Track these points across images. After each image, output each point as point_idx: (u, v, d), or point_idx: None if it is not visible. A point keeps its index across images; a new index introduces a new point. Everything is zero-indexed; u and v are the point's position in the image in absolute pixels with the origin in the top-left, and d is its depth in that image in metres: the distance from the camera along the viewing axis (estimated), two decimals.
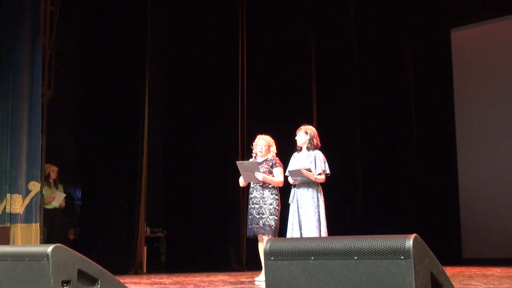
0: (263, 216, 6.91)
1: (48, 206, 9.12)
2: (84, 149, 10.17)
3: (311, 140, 6.86)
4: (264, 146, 7.11)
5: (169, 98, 11.85)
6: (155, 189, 11.17)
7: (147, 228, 10.76)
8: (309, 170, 6.65)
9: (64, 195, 9.43)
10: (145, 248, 9.80)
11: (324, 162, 6.76)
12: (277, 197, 7.02)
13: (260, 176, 6.84)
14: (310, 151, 6.84)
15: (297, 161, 6.89)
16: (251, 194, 7.08)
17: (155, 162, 11.21)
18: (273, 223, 6.88)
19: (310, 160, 6.75)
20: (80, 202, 10.41)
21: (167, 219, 11.48)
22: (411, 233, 2.88)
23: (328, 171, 6.75)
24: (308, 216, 6.64)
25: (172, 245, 11.27)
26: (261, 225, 6.90)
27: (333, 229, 6.76)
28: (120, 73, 9.87)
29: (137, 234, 9.47)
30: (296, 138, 6.97)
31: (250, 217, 7.05)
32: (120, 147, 9.78)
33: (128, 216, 9.61)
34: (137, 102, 9.78)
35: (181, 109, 11.38)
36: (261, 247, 6.97)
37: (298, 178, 6.74)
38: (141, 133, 9.70)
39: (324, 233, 6.61)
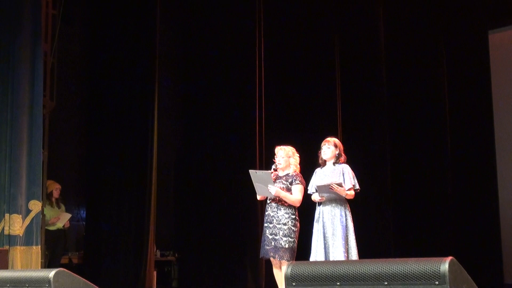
0: (276, 237, 6.80)
1: (50, 228, 9.15)
2: (89, 165, 10.20)
3: (340, 153, 6.82)
4: (283, 157, 7.00)
5: (180, 108, 11.87)
6: (166, 208, 11.18)
7: (157, 250, 10.79)
8: (340, 184, 6.63)
9: (70, 215, 9.46)
10: (154, 273, 9.80)
11: (353, 177, 6.72)
12: (293, 216, 6.86)
13: (273, 189, 6.73)
14: (336, 165, 6.80)
15: (323, 177, 6.83)
16: (266, 211, 6.99)
17: (166, 179, 11.23)
18: (287, 245, 6.75)
19: (337, 175, 6.71)
20: (84, 223, 10.43)
21: (179, 241, 11.47)
22: (447, 255, 2.85)
23: (357, 187, 6.71)
24: (334, 237, 6.59)
25: (184, 269, 11.24)
26: (273, 246, 6.79)
27: (360, 252, 6.70)
28: (127, 82, 9.92)
29: (146, 257, 9.48)
30: (321, 151, 6.91)
31: (263, 236, 6.98)
32: (128, 162, 9.81)
33: (136, 238, 9.62)
34: (146, 114, 9.82)
35: (193, 121, 11.39)
36: (276, 272, 6.92)
37: (325, 195, 6.71)
38: (150, 147, 9.73)
39: (355, 255, 6.54)
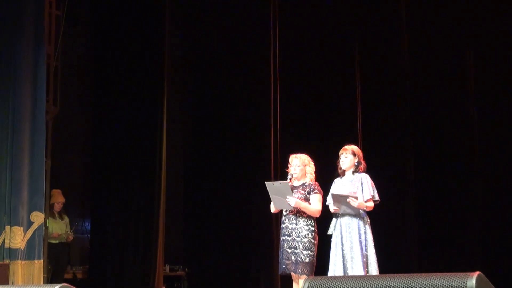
0: (296, 251, 6.78)
1: (52, 241, 9.17)
2: (94, 174, 10.22)
3: (359, 162, 6.80)
4: (299, 166, 6.98)
5: (191, 115, 11.89)
6: (175, 220, 11.18)
7: (166, 265, 10.76)
8: (356, 197, 6.61)
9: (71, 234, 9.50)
10: None
11: (373, 187, 6.70)
12: (313, 228, 6.86)
13: (292, 201, 6.71)
14: (356, 174, 6.78)
15: (341, 187, 6.81)
16: (283, 223, 6.97)
17: (175, 190, 11.24)
18: (307, 260, 6.74)
19: (356, 185, 6.69)
20: (89, 236, 10.44)
21: (189, 255, 11.47)
22: (474, 270, 2.83)
23: (377, 198, 6.68)
24: (352, 251, 6.57)
25: (194, 285, 11.23)
26: (293, 261, 6.77)
27: (381, 266, 6.66)
28: (134, 86, 9.93)
29: (155, 272, 9.48)
30: (340, 160, 6.90)
31: (281, 250, 6.95)
32: (135, 172, 9.82)
33: (144, 252, 9.62)
34: (154, 120, 9.82)
35: (204, 127, 11.40)
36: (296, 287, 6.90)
37: (342, 206, 6.68)
38: (158, 156, 9.73)
39: (375, 270, 6.52)
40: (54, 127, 8.67)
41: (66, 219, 9.59)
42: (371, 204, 6.63)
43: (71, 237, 9.48)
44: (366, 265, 6.52)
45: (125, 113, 9.91)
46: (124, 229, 9.74)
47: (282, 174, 7.73)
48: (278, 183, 6.85)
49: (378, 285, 2.92)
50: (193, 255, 11.37)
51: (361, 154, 6.86)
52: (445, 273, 2.86)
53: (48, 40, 8.48)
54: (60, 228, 9.70)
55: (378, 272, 6.51)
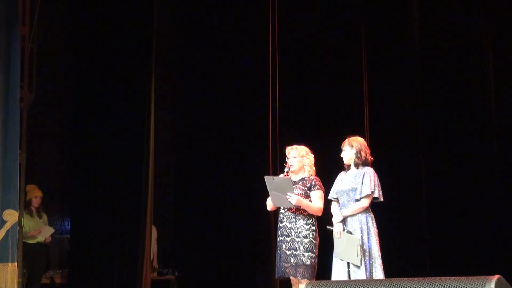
0: (296, 253, 6.78)
1: (29, 241, 9.12)
2: (74, 169, 10.17)
3: (358, 154, 6.79)
4: (295, 157, 6.97)
5: (181, 104, 11.88)
6: (164, 219, 11.17)
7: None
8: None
9: (52, 230, 9.44)
10: None
11: (375, 183, 6.67)
12: (314, 227, 6.87)
13: (294, 199, 6.70)
14: (360, 168, 6.77)
15: (344, 181, 6.81)
16: (281, 222, 6.96)
17: (164, 185, 11.24)
18: (308, 262, 6.74)
19: (358, 180, 6.67)
20: (69, 236, 10.41)
21: (179, 258, 11.49)
22: (493, 273, 2.79)
23: (377, 194, 6.65)
24: None
25: None
26: (293, 264, 6.77)
27: (387, 270, 6.64)
28: (119, 72, 9.88)
29: (141, 276, 9.45)
30: (341, 154, 6.91)
31: (278, 252, 6.93)
32: (120, 167, 9.78)
33: (130, 254, 9.59)
34: (141, 111, 9.78)
35: (197, 120, 11.40)
36: None
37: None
38: (146, 150, 9.69)
39: (379, 273, 6.51)
40: (29, 116, 8.61)
41: (45, 217, 9.52)
42: (365, 203, 6.60)
43: (49, 238, 9.42)
44: (370, 268, 6.51)
45: (109, 102, 9.87)
46: (107, 229, 9.69)
47: (282, 169, 7.69)
48: (278, 178, 6.83)
49: None
50: (183, 257, 11.39)
51: (360, 146, 6.85)
52: (460, 277, 2.85)
53: (22, 20, 8.41)
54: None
55: (383, 275, 6.50)
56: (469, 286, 2.82)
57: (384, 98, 11.57)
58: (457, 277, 2.88)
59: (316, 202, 6.82)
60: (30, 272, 9.12)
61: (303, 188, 6.88)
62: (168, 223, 11.47)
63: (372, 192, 6.62)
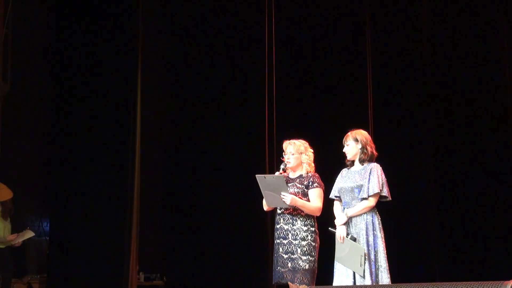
0: (293, 257, 6.78)
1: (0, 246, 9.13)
2: (53, 165, 10.15)
3: (363, 149, 6.78)
4: (293, 154, 6.95)
5: (169, 94, 11.86)
6: (151, 220, 11.15)
7: (141, 273, 10.82)
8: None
9: (32, 233, 9.40)
10: None
11: (383, 180, 6.65)
12: (313, 228, 6.86)
13: (288, 198, 6.69)
14: (365, 164, 6.74)
15: (346, 179, 6.78)
16: (277, 224, 6.96)
17: (151, 183, 11.22)
18: (307, 266, 6.75)
19: (364, 177, 6.65)
20: (48, 238, 10.39)
21: (168, 261, 11.45)
22: (507, 278, 2.75)
23: (386, 193, 6.64)
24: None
25: None
26: (290, 268, 6.78)
27: (394, 274, 6.62)
28: (102, 59, 9.88)
29: (127, 282, 9.46)
30: (344, 150, 6.87)
31: (275, 255, 6.93)
32: (103, 163, 9.77)
33: (114, 257, 9.60)
34: (127, 100, 9.79)
35: (186, 112, 11.38)
36: None
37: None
38: (131, 144, 9.70)
39: (386, 278, 6.49)
40: (3, 108, 8.60)
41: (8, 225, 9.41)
42: (371, 203, 6.57)
43: (18, 243, 9.36)
44: (376, 273, 6.51)
45: (91, 92, 9.85)
46: (90, 230, 9.69)
47: (278, 166, 7.68)
48: (270, 177, 6.84)
49: None
50: (172, 261, 11.34)
51: (365, 139, 6.84)
52: (473, 282, 2.82)
53: None
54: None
55: (390, 280, 6.48)
56: None
57: (390, 88, 11.49)
58: (469, 282, 2.85)
59: (314, 201, 6.79)
60: (1, 278, 9.09)
61: (300, 186, 6.86)
62: (155, 224, 11.43)
63: (380, 190, 6.60)
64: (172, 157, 11.64)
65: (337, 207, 6.86)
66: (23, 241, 9.45)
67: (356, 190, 6.67)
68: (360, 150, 6.80)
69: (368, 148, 6.80)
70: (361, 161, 6.79)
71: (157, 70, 11.66)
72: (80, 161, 9.80)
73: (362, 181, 6.65)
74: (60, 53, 10.21)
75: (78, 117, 9.85)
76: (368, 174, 6.65)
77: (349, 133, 6.90)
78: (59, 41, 10.22)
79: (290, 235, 6.82)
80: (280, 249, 6.84)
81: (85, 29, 9.91)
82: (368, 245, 6.52)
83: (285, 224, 6.86)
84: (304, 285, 6.69)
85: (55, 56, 10.33)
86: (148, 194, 10.67)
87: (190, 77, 11.32)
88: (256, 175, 6.82)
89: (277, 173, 6.91)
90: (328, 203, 6.97)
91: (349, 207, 6.68)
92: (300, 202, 6.73)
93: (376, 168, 6.68)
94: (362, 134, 6.89)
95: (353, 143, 6.83)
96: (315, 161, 7.11)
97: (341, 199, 6.84)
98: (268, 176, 6.90)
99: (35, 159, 10.66)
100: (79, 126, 9.84)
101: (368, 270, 6.47)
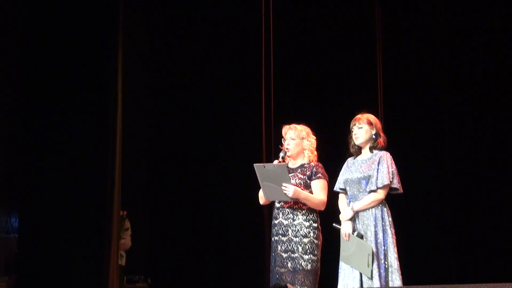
0: (294, 256, 6.80)
1: None
2: (22, 154, 10.10)
3: (377, 135, 6.77)
4: (293, 140, 6.94)
5: (152, 76, 11.84)
6: (134, 216, 11.12)
7: (123, 275, 10.70)
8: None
9: None
10: None
11: (393, 171, 6.65)
12: (315, 224, 6.89)
13: (290, 190, 6.69)
14: (375, 151, 6.73)
15: (355, 169, 6.76)
16: (275, 219, 6.98)
17: (134, 175, 11.19)
18: (309, 267, 6.76)
19: (373, 167, 6.63)
20: (16, 236, 10.37)
21: (152, 263, 11.45)
22: None
23: (397, 184, 6.63)
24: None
25: None
26: (290, 269, 6.80)
27: (406, 275, 6.60)
28: (79, 33, 9.79)
29: (107, 285, 9.41)
30: (352, 134, 6.85)
31: (273, 254, 6.93)
32: (79, 151, 9.68)
33: (92, 258, 9.54)
34: (105, 83, 9.71)
35: (171, 93, 11.41)
36: None
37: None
38: (111, 130, 9.61)
39: (397, 280, 6.49)
40: None
41: None
42: (380, 195, 6.56)
43: None
44: (385, 273, 6.50)
45: (65, 71, 9.78)
46: (64, 227, 9.60)
47: (277, 154, 7.68)
48: (270, 165, 6.82)
49: None
50: (157, 262, 11.34)
51: (379, 125, 6.82)
52: (493, 284, 2.82)
53: None
54: None
55: (401, 282, 6.49)
56: None
57: (402, 67, 11.49)
58: (489, 284, 2.87)
59: (317, 194, 6.81)
60: None
61: (302, 176, 6.87)
62: (139, 221, 11.41)
63: (391, 182, 6.59)
64: (157, 146, 11.62)
65: (342, 200, 6.87)
66: None
67: (364, 182, 6.66)
68: (373, 136, 6.79)
69: (382, 135, 6.79)
70: (371, 149, 6.78)
71: (139, 48, 11.63)
72: (52, 150, 9.74)
73: (370, 171, 6.65)
74: (31, 34, 10.14)
75: (50, 99, 9.77)
76: (376, 163, 6.65)
77: (360, 115, 6.87)
78: (30, 21, 10.16)
79: (290, 231, 6.82)
80: (279, 247, 6.85)
81: (57, 10, 9.87)
82: (376, 243, 6.53)
83: (285, 219, 6.87)
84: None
85: (26, 38, 10.27)
86: (129, 187, 10.63)
87: (181, 58, 11.32)
88: (254, 164, 6.82)
89: (275, 162, 6.89)
90: (332, 196, 6.97)
91: (356, 201, 6.68)
92: (304, 195, 6.74)
93: (385, 156, 6.67)
94: (375, 118, 6.90)
95: (367, 127, 6.80)
96: (317, 149, 7.10)
97: (346, 192, 6.84)
98: (268, 165, 6.88)
99: (4, 147, 10.63)
100: (51, 110, 9.77)
101: (377, 271, 6.48)
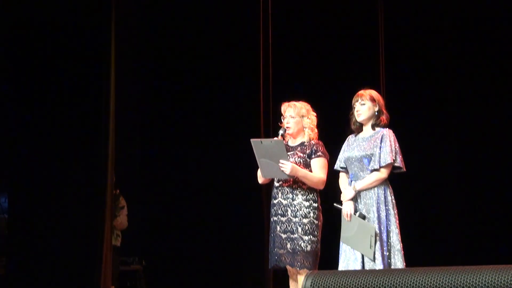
0: (293, 237, 6.80)
1: None
2: (11, 131, 10.07)
3: (380, 112, 6.75)
4: (293, 117, 6.93)
5: (150, 54, 11.90)
6: (128, 196, 11.11)
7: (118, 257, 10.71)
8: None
9: None
10: None
11: (396, 149, 6.64)
12: (315, 204, 6.89)
13: (288, 167, 6.69)
14: (377, 129, 6.72)
15: (357, 146, 6.76)
16: (274, 199, 6.98)
17: (128, 153, 11.19)
18: (309, 248, 6.76)
19: (375, 145, 6.62)
20: (6, 216, 10.36)
21: (147, 244, 11.49)
22: None
23: (399, 163, 6.64)
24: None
25: (155, 282, 11.27)
26: (290, 250, 6.79)
27: (409, 257, 6.64)
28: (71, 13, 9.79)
29: (100, 266, 9.42)
30: (354, 111, 6.84)
31: (272, 235, 6.92)
32: (71, 126, 9.65)
33: (84, 238, 9.54)
34: (99, 57, 9.69)
35: (170, 74, 11.42)
36: (294, 286, 6.88)
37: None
38: (105, 106, 9.58)
39: (399, 261, 6.50)
40: None
41: None
42: (383, 174, 6.57)
43: None
44: (387, 255, 6.54)
45: (55, 52, 9.76)
46: (56, 206, 9.61)
47: (275, 131, 7.67)
48: (268, 141, 6.83)
49: (408, 282, 2.87)
50: (152, 243, 11.39)
51: (382, 101, 6.80)
52: (502, 266, 2.82)
53: None
54: None
55: (404, 264, 6.51)
56: (510, 276, 2.82)
57: (405, 40, 11.45)
58: (496, 266, 2.85)
59: (317, 172, 6.80)
60: None
61: (302, 155, 6.87)
62: (132, 200, 11.40)
63: (394, 160, 6.58)
64: (151, 123, 11.62)
65: (343, 180, 6.86)
66: None
67: (365, 160, 6.65)
68: (376, 113, 6.77)
69: (385, 112, 6.78)
70: (374, 126, 6.77)
71: (133, 24, 11.64)
72: (43, 124, 9.71)
73: (372, 149, 6.63)
74: (16, 21, 10.09)
75: (40, 70, 9.73)
76: (379, 141, 6.63)
77: (363, 91, 6.85)
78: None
79: (289, 211, 6.82)
80: (278, 228, 6.85)
81: None
82: (379, 224, 6.53)
83: (284, 199, 6.86)
84: (305, 270, 6.70)
85: (11, 24, 10.21)
86: (123, 165, 10.63)
87: (177, 31, 11.33)
88: (251, 140, 6.82)
89: (275, 138, 6.88)
90: (332, 176, 6.96)
91: (357, 180, 6.67)
92: (302, 172, 6.73)
93: (388, 134, 6.65)
94: (378, 94, 6.88)
95: (370, 103, 6.78)
96: (317, 127, 7.10)
97: (347, 171, 6.83)
98: (265, 140, 6.89)
99: None
100: (41, 83, 9.74)
101: (379, 252, 6.48)
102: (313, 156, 6.85)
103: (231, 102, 10.78)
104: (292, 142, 6.97)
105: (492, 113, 11.07)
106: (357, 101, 6.82)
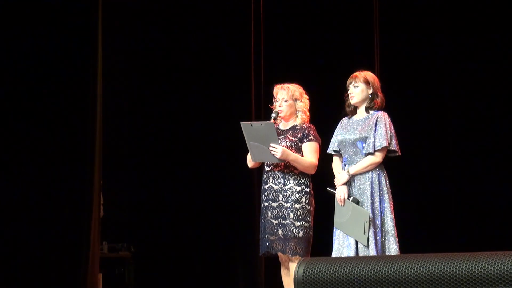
0: (284, 222, 6.81)
1: None
2: None
3: (375, 95, 6.77)
4: (286, 101, 6.94)
5: (139, 38, 11.74)
6: (116, 179, 11.13)
7: (104, 243, 10.82)
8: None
9: None
10: (100, 276, 9.79)
11: (391, 132, 6.66)
12: (307, 189, 6.91)
13: (278, 150, 6.71)
14: (371, 112, 6.73)
15: (347, 130, 6.77)
16: (265, 183, 6.99)
17: (116, 135, 11.17)
18: (301, 234, 6.77)
19: (369, 128, 6.64)
20: None
21: (136, 229, 11.46)
22: None
23: (394, 147, 6.67)
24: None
25: (144, 269, 11.27)
26: (281, 236, 6.81)
27: (403, 244, 6.67)
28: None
29: (87, 253, 9.41)
30: (348, 93, 6.85)
31: (263, 221, 6.94)
32: (53, 101, 9.54)
33: (72, 224, 9.53)
34: (83, 38, 9.65)
35: (159, 56, 11.36)
36: (286, 274, 6.89)
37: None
38: (92, 83, 9.52)
39: (394, 248, 6.52)
40: None
41: None
42: (378, 158, 6.59)
43: None
44: (381, 241, 6.56)
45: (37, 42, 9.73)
46: (41, 190, 9.55)
47: (267, 114, 7.68)
48: (258, 124, 6.83)
49: (402, 269, 2.88)
50: (141, 229, 11.36)
51: (377, 84, 6.82)
52: (497, 252, 2.85)
53: None
54: None
55: (398, 250, 6.52)
56: (507, 263, 2.83)
57: (400, 19, 11.45)
58: (493, 253, 2.87)
59: (308, 156, 6.81)
60: None
61: (293, 139, 6.88)
62: (120, 184, 11.42)
63: (389, 144, 6.60)
64: (139, 104, 11.59)
65: (336, 163, 6.88)
66: None
67: (360, 144, 6.67)
68: (370, 96, 6.78)
69: (380, 94, 6.79)
70: (367, 109, 6.78)
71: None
72: (29, 109, 9.68)
73: (367, 132, 6.65)
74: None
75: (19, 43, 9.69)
76: (373, 124, 6.64)
77: (357, 73, 6.87)
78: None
79: (280, 196, 6.83)
80: (269, 214, 6.86)
81: None
82: (373, 209, 6.55)
83: (275, 183, 6.88)
84: (297, 256, 6.71)
85: None
86: (111, 147, 10.60)
87: (167, 13, 11.29)
88: (241, 122, 6.83)
89: (269, 121, 6.87)
90: (326, 159, 6.98)
91: (351, 164, 6.69)
92: (293, 156, 6.75)
93: (383, 117, 6.67)
94: (373, 76, 6.89)
95: (363, 86, 6.80)
96: (309, 110, 7.10)
97: (341, 155, 6.84)
98: (255, 123, 6.89)
99: None
100: (29, 68, 9.72)
101: (373, 238, 6.50)
102: (304, 140, 6.86)
103: (222, 84, 10.78)
104: (283, 126, 6.98)
105: (488, 95, 11.09)
106: (351, 83, 6.85)
